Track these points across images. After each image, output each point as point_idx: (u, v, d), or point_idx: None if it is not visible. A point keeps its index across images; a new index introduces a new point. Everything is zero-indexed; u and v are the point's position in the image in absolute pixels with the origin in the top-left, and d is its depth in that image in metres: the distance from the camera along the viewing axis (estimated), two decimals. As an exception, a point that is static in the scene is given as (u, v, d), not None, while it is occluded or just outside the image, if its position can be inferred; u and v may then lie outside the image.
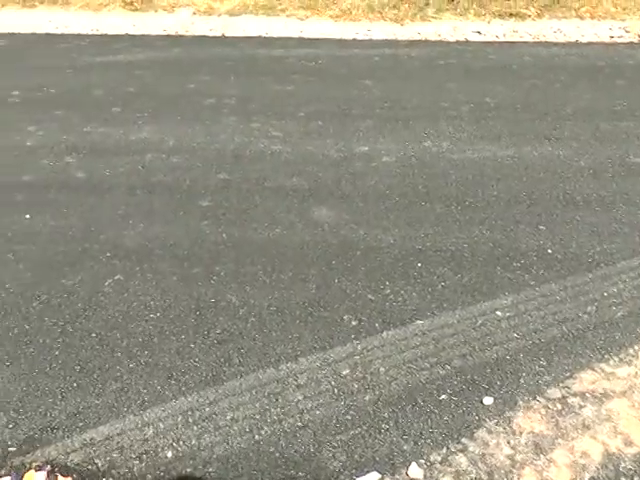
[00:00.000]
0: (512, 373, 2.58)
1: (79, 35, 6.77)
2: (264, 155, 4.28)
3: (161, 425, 2.45)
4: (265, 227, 3.55)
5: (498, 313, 2.88)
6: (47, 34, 6.89)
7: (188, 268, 3.27)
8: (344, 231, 3.47)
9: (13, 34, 6.90)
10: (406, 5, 7.09)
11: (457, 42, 6.35)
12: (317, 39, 6.57)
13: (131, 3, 7.47)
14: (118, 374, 2.68)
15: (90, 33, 6.83)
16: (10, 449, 2.41)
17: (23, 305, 3.13)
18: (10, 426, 2.50)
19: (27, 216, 3.83)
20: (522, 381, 2.54)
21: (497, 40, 6.35)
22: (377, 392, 2.52)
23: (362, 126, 4.61)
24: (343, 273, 3.16)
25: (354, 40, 6.51)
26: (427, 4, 7.09)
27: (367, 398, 2.50)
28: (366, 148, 4.29)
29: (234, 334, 2.84)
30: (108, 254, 3.43)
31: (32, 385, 2.67)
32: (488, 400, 2.46)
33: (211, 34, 6.77)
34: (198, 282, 3.17)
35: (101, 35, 6.76)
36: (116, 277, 3.26)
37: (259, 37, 6.65)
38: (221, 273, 3.22)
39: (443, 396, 2.49)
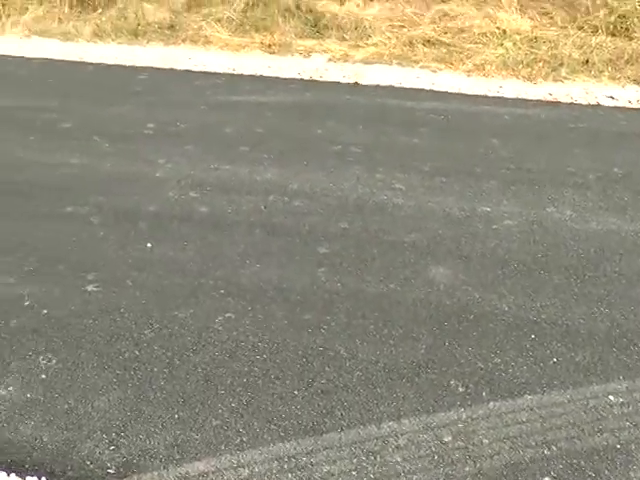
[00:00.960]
0: (622, 464, 2.45)
1: (216, 74, 6.99)
2: (385, 207, 4.28)
3: (256, 468, 2.45)
4: (380, 281, 3.53)
5: (611, 398, 2.75)
6: (186, 71, 7.15)
7: (299, 313, 3.29)
8: (459, 293, 3.42)
9: (154, 69, 7.20)
10: (540, 64, 7.01)
11: (589, 105, 6.22)
12: (448, 93, 6.56)
13: (269, 46, 7.68)
14: (219, 411, 2.71)
15: (227, 72, 7.05)
16: (109, 471, 2.46)
17: (135, 331, 3.21)
18: (111, 448, 2.55)
19: (149, 245, 3.95)
20: (632, 474, 2.41)
21: (630, 106, 6.18)
22: (478, 465, 2.45)
23: (485, 186, 4.55)
24: (454, 336, 3.10)
25: (485, 96, 6.47)
26: (561, 64, 6.99)
27: (467, 469, 2.43)
28: (488, 209, 4.23)
29: (339, 386, 2.82)
30: (222, 291, 3.49)
31: (135, 411, 2.73)
32: (594, 489, 2.35)
33: (344, 81, 6.86)
34: (308, 329, 3.18)
35: (237, 75, 6.96)
36: (227, 315, 3.31)
37: (391, 87, 6.70)
38: (332, 323, 3.22)
39: (546, 478, 2.40)
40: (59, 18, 8.74)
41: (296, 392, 2.79)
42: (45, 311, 3.42)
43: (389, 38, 7.81)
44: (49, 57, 7.78)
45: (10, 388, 2.90)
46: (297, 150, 5.13)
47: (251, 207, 4.32)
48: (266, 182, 4.64)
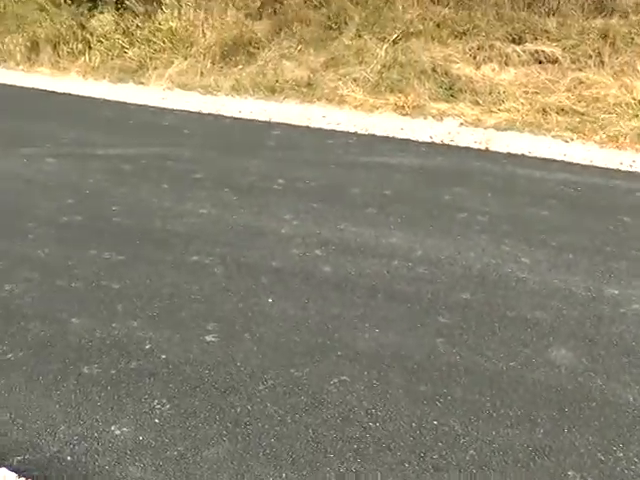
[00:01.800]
0: None
1: (348, 133, 7.09)
2: (509, 281, 4.21)
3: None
4: (500, 357, 3.46)
5: None
6: (319, 129, 7.29)
7: (415, 383, 3.26)
8: (581, 378, 3.31)
9: (289, 125, 7.38)
10: (678, 139, 6.80)
11: None
12: (579, 164, 6.43)
13: (402, 107, 7.75)
14: (327, 476, 2.70)
15: (359, 132, 7.14)
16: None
17: (250, 385, 3.26)
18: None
19: (270, 300, 4.01)
20: None
21: None
22: None
23: (614, 266, 4.41)
24: (574, 423, 3.00)
25: (617, 170, 6.31)
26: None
27: None
28: (616, 291, 4.09)
29: (451, 463, 2.77)
30: (339, 352, 3.50)
31: (244, 466, 2.76)
32: None
33: (475, 146, 6.84)
34: (423, 400, 3.14)
35: (369, 135, 7.04)
36: (342, 377, 3.31)
37: (522, 155, 6.62)
38: (448, 396, 3.17)
39: None
40: (201, 72, 9.11)
41: (407, 465, 2.76)
42: (164, 356, 3.53)
43: (522, 104, 7.75)
44: (188, 109, 8.11)
45: (124, 429, 3.00)
46: (423, 215, 5.14)
47: (374, 270, 4.34)
48: (391, 246, 4.65)
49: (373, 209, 5.24)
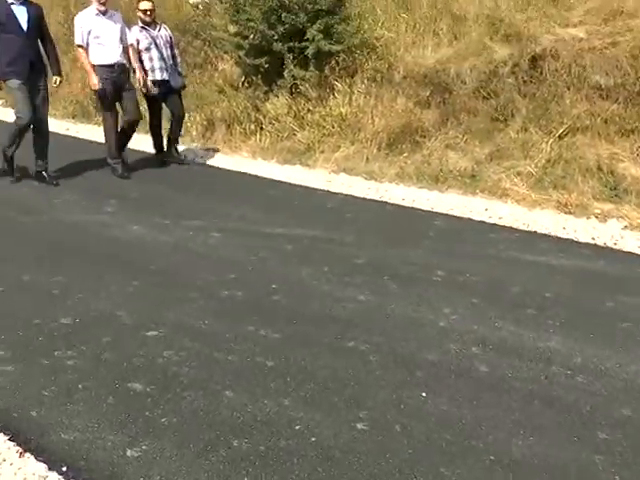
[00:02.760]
0: None
1: (510, 228, 7.04)
2: (674, 400, 4.05)
3: None
4: (663, 483, 3.34)
5: None
6: (481, 221, 7.29)
7: (570, 500, 3.19)
8: None
9: (450, 216, 7.42)
10: None
11: None
12: None
13: (565, 205, 7.64)
14: None
15: (521, 228, 7.09)
16: None
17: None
18: None
19: (423, 394, 4.04)
20: None
21: None
22: None
23: None
24: None
25: None
26: None
27: None
28: None
29: None
30: (492, 457, 3.49)
31: None
32: None
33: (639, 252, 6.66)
34: (578, 519, 3.07)
35: (530, 232, 6.96)
36: (495, 484, 3.29)
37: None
38: (605, 520, 3.09)
39: None
40: (367, 158, 9.31)
41: None
42: (313, 439, 3.62)
43: (692, 209, 7.48)
44: (352, 193, 8.30)
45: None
46: (584, 321, 5.03)
47: (531, 375, 4.29)
48: (549, 350, 4.59)
49: (532, 310, 5.18)
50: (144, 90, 9.33)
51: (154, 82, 9.32)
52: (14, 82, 8.25)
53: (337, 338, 4.73)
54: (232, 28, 11.41)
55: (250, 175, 9.22)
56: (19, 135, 8.53)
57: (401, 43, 11.19)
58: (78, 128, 12.48)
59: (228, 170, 9.58)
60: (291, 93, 10.51)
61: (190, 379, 4.22)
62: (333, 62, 10.67)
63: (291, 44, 10.31)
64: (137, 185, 8.75)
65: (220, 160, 10.06)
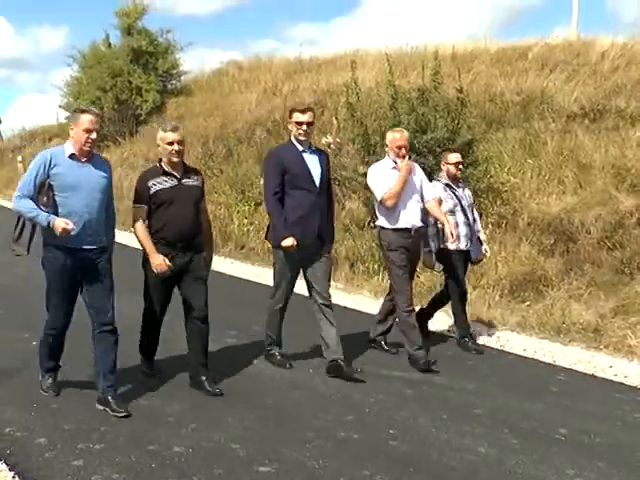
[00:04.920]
0: None
1: (636, 389, 6.83)
2: None
3: None
4: None
5: None
6: (605, 379, 7.10)
7: None
8: None
9: (573, 371, 7.28)
10: None
11: None
12: None
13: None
14: None
15: (647, 388, 6.89)
16: None
17: None
18: None
19: None
20: None
21: None
22: None
23: None
24: None
25: None
26: None
27: None
28: None
29: None
30: None
31: None
32: None
33: None
34: None
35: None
36: None
37: None
38: None
39: None
40: (489, 304, 9.31)
41: None
42: None
43: None
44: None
45: None
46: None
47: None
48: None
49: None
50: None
51: (456, 252, 7.82)
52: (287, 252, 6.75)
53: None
54: (362, 169, 11.83)
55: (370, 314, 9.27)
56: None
57: (526, 189, 11.34)
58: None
59: (349, 309, 9.67)
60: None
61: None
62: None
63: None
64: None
65: (342, 298, 10.12)
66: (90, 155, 5.72)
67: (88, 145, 5.62)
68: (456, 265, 7.82)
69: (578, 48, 15.97)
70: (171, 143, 6.11)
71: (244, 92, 19.98)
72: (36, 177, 5.55)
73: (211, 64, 28.50)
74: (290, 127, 6.92)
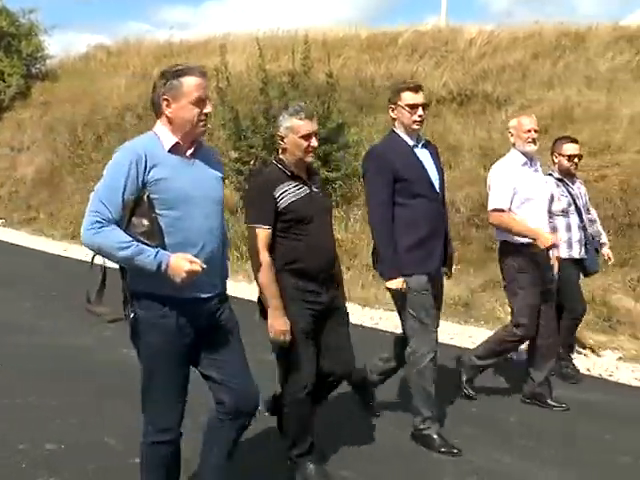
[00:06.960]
0: None
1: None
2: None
3: None
4: None
5: None
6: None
7: None
8: None
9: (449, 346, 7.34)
10: None
11: None
12: None
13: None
14: None
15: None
16: None
17: None
18: None
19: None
20: None
21: None
22: None
23: None
24: None
25: None
26: None
27: None
28: None
29: None
30: None
31: None
32: None
33: (635, 383, 6.64)
34: None
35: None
36: None
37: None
38: None
39: None
40: (362, 284, 9.37)
41: None
42: None
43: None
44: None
45: None
46: (577, 455, 4.96)
47: None
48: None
49: (528, 441, 5.13)
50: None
51: (569, 261, 6.39)
52: (419, 281, 4.85)
53: None
54: (233, 154, 11.71)
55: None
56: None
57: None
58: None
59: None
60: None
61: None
62: (330, 189, 10.90)
63: (291, 171, 10.54)
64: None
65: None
66: (196, 145, 3.58)
67: (202, 124, 3.52)
68: (571, 278, 6.46)
69: (447, 35, 16.30)
70: (308, 136, 4.28)
71: (113, 77, 19.33)
72: (124, 190, 3.31)
73: (79, 48, 27.27)
74: (395, 114, 5.00)
